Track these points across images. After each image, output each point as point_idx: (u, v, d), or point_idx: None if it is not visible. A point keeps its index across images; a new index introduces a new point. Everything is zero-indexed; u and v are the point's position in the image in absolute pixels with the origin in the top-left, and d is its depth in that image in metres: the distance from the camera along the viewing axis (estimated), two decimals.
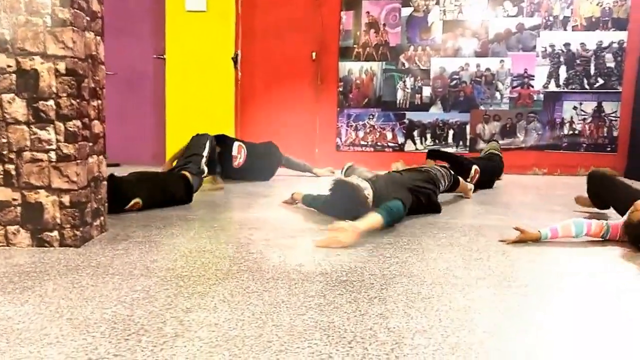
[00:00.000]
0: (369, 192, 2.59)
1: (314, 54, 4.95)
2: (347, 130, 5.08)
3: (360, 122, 5.06)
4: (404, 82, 4.94)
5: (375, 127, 5.04)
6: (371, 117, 5.03)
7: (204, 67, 4.96)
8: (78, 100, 2.22)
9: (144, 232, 2.51)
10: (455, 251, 2.26)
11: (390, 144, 5.04)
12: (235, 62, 5.01)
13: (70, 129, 2.18)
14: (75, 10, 2.18)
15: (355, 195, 2.57)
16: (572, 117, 4.82)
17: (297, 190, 3.23)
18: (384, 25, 4.89)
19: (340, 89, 5.03)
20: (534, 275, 1.95)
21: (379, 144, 5.05)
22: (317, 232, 2.57)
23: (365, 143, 5.07)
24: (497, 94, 4.86)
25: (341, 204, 2.61)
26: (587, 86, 4.77)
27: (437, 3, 4.81)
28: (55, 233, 2.21)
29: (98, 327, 1.44)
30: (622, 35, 4.68)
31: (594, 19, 4.68)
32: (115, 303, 1.61)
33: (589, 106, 4.79)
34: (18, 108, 2.18)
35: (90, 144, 2.35)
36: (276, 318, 1.50)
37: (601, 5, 4.66)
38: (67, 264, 2.00)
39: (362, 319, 1.50)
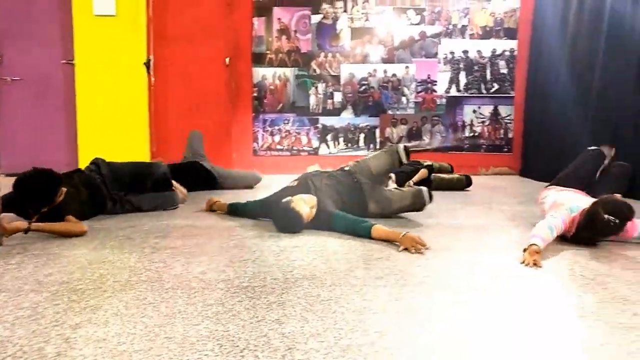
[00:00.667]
0: (313, 211, 2.60)
1: (227, 59, 5.00)
2: (263, 135, 5.17)
3: (276, 127, 5.16)
4: (316, 87, 5.09)
5: (291, 131, 5.16)
6: (286, 122, 5.15)
7: (115, 73, 4.88)
8: None
9: (44, 244, 2.39)
10: (359, 252, 2.29)
11: (305, 148, 5.18)
12: (148, 68, 4.95)
13: None
14: None
15: (295, 223, 2.58)
16: (472, 120, 5.16)
17: (218, 199, 3.20)
18: (295, 31, 5.01)
19: (255, 95, 5.11)
20: (430, 273, 2.01)
21: (294, 148, 5.18)
22: (227, 238, 2.56)
23: (282, 147, 5.18)
24: (403, 99, 5.11)
25: (281, 224, 2.62)
26: (484, 91, 5.12)
27: (345, 11, 4.99)
28: None
29: None
30: (513, 44, 5.06)
31: (488, 28, 5.03)
32: None
33: (487, 110, 5.15)
34: None
35: None
36: (169, 330, 1.47)
37: (494, 16, 5.02)
38: None
39: (257, 326, 1.49)
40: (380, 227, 2.42)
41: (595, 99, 4.12)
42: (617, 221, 2.21)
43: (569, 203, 2.42)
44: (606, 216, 2.21)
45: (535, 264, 2.04)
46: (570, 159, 4.34)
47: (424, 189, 2.93)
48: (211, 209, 3.16)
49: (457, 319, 1.57)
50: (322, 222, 2.61)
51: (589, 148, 2.99)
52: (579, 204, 2.39)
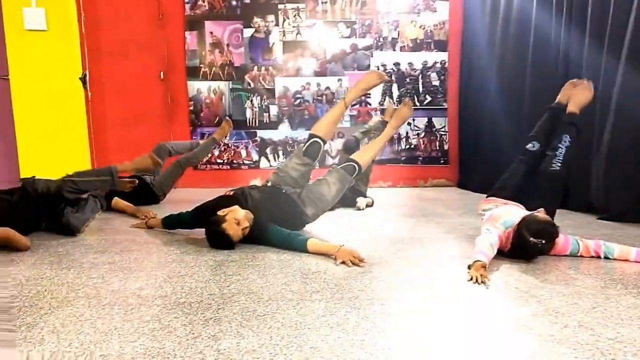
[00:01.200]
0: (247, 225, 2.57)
1: (162, 73, 5.01)
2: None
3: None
4: (252, 101, 5.10)
5: (230, 145, 5.16)
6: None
7: (51, 88, 4.87)
8: None
9: None
10: (295, 266, 2.28)
11: (245, 162, 5.17)
12: (84, 82, 4.96)
13: None
14: None
15: (225, 244, 2.56)
16: (407, 133, 5.17)
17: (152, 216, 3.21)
18: (228, 45, 5.03)
19: (191, 108, 5.11)
20: (366, 287, 2.00)
21: (235, 161, 5.17)
22: (166, 253, 2.55)
23: (222, 161, 5.17)
24: None
25: (211, 242, 2.59)
26: (417, 103, 5.14)
27: (277, 24, 5.02)
28: None
29: None
30: (444, 56, 5.09)
31: (418, 41, 5.06)
32: None
33: (421, 122, 5.16)
34: None
35: None
36: (105, 347, 1.46)
37: (423, 28, 5.05)
38: None
39: (193, 343, 1.48)
40: (316, 241, 2.43)
41: (527, 107, 4.13)
42: (543, 242, 2.20)
43: (503, 218, 2.39)
44: (532, 239, 2.19)
45: (482, 281, 2.01)
46: (505, 169, 4.38)
47: (348, 165, 2.83)
48: (147, 226, 3.12)
49: (388, 331, 1.57)
50: (257, 237, 2.58)
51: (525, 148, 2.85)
52: (513, 218, 2.36)
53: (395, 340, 1.51)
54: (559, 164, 2.62)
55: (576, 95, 2.75)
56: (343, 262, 2.25)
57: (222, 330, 1.58)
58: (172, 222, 2.98)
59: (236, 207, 2.60)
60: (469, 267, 2.13)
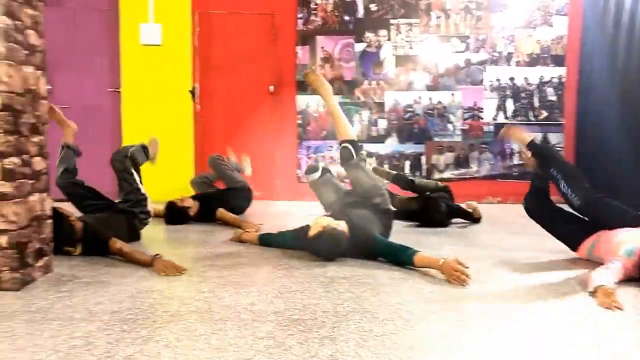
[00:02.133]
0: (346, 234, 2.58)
1: (271, 87, 5.00)
2: (307, 162, 5.08)
3: (320, 154, 5.08)
4: (360, 115, 5.04)
5: (335, 158, 5.08)
6: (330, 148, 5.08)
7: (161, 101, 4.90)
8: (16, 137, 2.11)
9: (92, 272, 2.38)
10: (409, 284, 2.23)
11: None
12: (193, 95, 4.98)
13: (7, 167, 2.06)
14: (11, 44, 2.11)
15: (339, 244, 2.55)
16: (521, 148, 5.02)
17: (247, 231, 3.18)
18: (339, 59, 5.02)
19: (299, 122, 5.07)
20: (487, 308, 1.94)
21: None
22: (274, 267, 2.51)
23: None
24: (450, 126, 5.03)
25: (326, 250, 2.58)
26: (532, 118, 5.02)
27: (389, 39, 5.01)
28: None
29: None
30: (561, 71, 5.00)
31: (534, 55, 4.99)
32: (50, 353, 1.49)
33: (536, 137, 5.02)
34: None
35: (32, 181, 2.23)
36: None
37: (540, 43, 4.99)
38: (2, 310, 1.85)
39: None
40: (422, 255, 2.42)
41: None
42: None
43: (623, 246, 2.25)
44: None
45: (615, 306, 1.90)
46: (623, 189, 4.19)
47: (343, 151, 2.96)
48: (240, 240, 3.08)
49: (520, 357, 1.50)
50: (362, 246, 2.58)
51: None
52: (635, 243, 2.23)
53: None
54: None
55: None
56: (448, 280, 2.24)
57: (339, 350, 1.53)
58: (270, 240, 2.96)
59: (323, 217, 2.65)
60: (593, 293, 2.01)
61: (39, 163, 2.31)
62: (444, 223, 3.70)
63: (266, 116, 5.08)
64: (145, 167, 4.86)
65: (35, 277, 2.24)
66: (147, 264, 2.46)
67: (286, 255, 2.76)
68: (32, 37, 2.30)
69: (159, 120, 4.85)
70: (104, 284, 2.21)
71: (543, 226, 2.81)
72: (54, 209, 2.56)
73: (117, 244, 2.63)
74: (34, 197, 2.26)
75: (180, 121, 4.94)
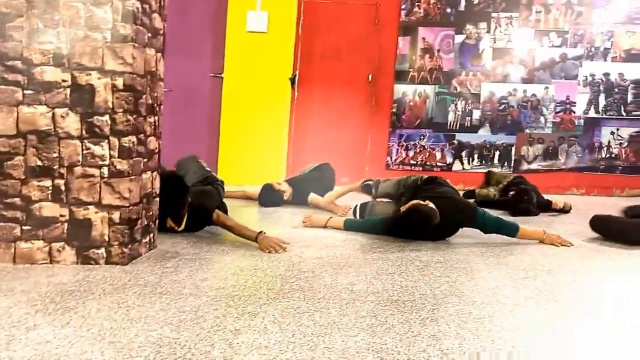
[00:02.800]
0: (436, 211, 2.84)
1: (370, 76, 5.18)
2: (397, 149, 5.31)
3: (411, 142, 5.29)
4: (456, 105, 5.22)
5: (425, 147, 5.29)
6: (422, 137, 5.28)
7: (260, 87, 5.10)
8: (135, 116, 2.19)
9: (194, 249, 2.44)
10: (503, 270, 2.31)
11: (438, 164, 5.29)
12: (293, 83, 5.17)
13: (125, 145, 2.14)
14: (138, 26, 2.16)
15: (433, 219, 2.77)
16: (609, 142, 5.21)
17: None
18: (438, 50, 5.17)
19: (394, 110, 5.26)
20: (578, 294, 2.04)
21: (427, 163, 5.29)
22: (369, 250, 2.61)
23: (415, 162, 5.30)
24: (542, 119, 5.20)
25: (421, 223, 2.80)
26: (624, 113, 5.17)
27: (488, 32, 5.14)
28: (102, 250, 2.14)
29: (142, 350, 1.36)
30: None
31: (633, 52, 5.10)
32: (162, 325, 1.54)
33: (626, 132, 5.19)
34: (71, 123, 2.12)
35: (145, 160, 2.31)
36: (328, 340, 1.47)
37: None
38: (113, 283, 1.92)
39: (414, 341, 1.50)
40: (523, 228, 2.88)
41: None
42: None
43: None
44: None
45: None
46: None
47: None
48: (324, 226, 3.14)
49: (612, 347, 1.56)
50: (461, 215, 2.93)
51: None
52: None
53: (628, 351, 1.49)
54: None
55: None
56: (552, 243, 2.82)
57: (441, 330, 1.58)
58: (355, 225, 3.10)
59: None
60: None
61: (152, 142, 2.38)
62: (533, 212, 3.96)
63: (362, 104, 5.27)
64: (240, 154, 5.13)
65: (141, 252, 2.30)
66: (252, 238, 2.51)
67: (378, 240, 2.85)
68: (157, 21, 2.35)
69: (258, 106, 5.06)
70: (207, 260, 2.26)
71: None
72: (171, 177, 2.68)
73: (221, 216, 2.66)
74: (147, 175, 2.32)
75: (278, 108, 5.13)
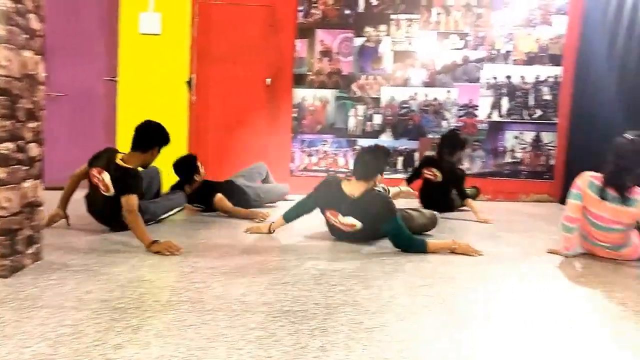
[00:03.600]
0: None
1: (268, 80, 5.02)
2: (300, 155, 5.16)
3: (314, 148, 5.15)
4: (356, 109, 5.08)
5: (328, 152, 5.15)
6: (324, 143, 5.14)
7: (157, 90, 4.91)
8: (12, 122, 2.08)
9: (83, 260, 2.39)
10: (401, 278, 2.27)
11: (343, 170, 5.15)
12: (190, 86, 5.01)
13: (2, 152, 2.04)
14: (11, 27, 2.06)
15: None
16: (513, 146, 5.10)
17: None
18: (337, 53, 5.02)
19: (295, 115, 5.11)
20: (477, 302, 2.01)
21: (331, 169, 5.15)
22: (266, 259, 2.55)
23: (319, 168, 5.16)
24: (444, 123, 5.08)
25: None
26: (526, 117, 5.06)
27: (388, 34, 4.99)
28: None
29: None
30: (557, 70, 5.00)
31: (532, 54, 4.99)
32: (38, 340, 1.49)
33: (529, 136, 5.08)
34: None
35: (26, 167, 2.20)
36: (212, 353, 1.44)
37: (538, 42, 4.98)
38: None
39: (302, 353, 1.47)
40: (432, 242, 2.76)
41: None
42: None
43: None
44: None
45: None
46: None
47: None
48: (269, 231, 3.12)
49: (510, 351, 1.56)
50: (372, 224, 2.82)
51: None
52: None
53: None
54: None
55: None
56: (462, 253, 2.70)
57: (330, 341, 1.55)
58: (293, 213, 3.09)
59: None
60: None
61: (33, 149, 2.28)
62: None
63: (261, 108, 5.11)
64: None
65: (25, 264, 2.22)
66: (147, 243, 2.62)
67: (276, 248, 2.82)
68: (33, 21, 2.24)
69: (155, 110, 4.84)
70: (94, 272, 2.20)
71: None
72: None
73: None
74: (27, 184, 2.22)
75: (175, 112, 4.96)
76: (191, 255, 2.55)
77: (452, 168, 4.11)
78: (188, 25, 4.91)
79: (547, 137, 5.08)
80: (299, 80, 5.05)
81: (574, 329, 1.78)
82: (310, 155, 5.15)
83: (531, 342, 1.65)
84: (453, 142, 4.15)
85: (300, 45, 5.01)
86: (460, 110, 5.07)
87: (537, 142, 5.09)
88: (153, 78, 4.90)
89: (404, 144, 5.11)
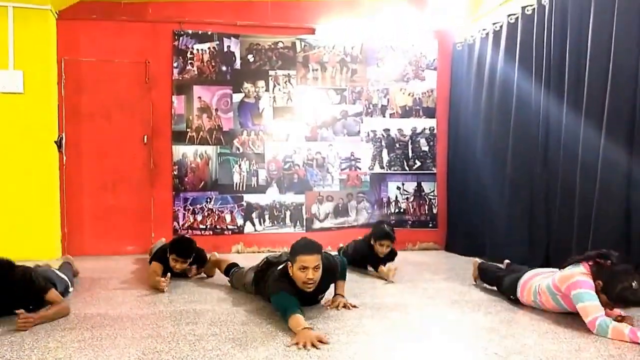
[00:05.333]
0: None
1: (145, 137, 4.82)
2: (184, 214, 4.94)
3: (198, 206, 4.95)
4: (240, 165, 4.98)
5: (214, 210, 4.97)
6: (208, 200, 4.96)
7: (22, 152, 4.55)
8: None
9: None
10: (278, 339, 2.21)
11: (229, 227, 4.98)
12: (59, 146, 4.68)
13: None
14: None
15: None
16: (396, 197, 5.18)
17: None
18: (217, 110, 4.94)
19: (175, 173, 4.92)
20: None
21: (218, 227, 4.96)
22: (142, 327, 2.39)
23: (204, 226, 4.95)
24: (328, 176, 5.09)
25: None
26: (407, 168, 5.19)
27: (267, 90, 5.00)
28: None
29: None
30: (432, 122, 5.22)
31: (407, 107, 5.18)
32: None
33: (411, 186, 5.20)
34: None
35: None
36: None
37: (412, 96, 5.18)
38: None
39: None
40: (295, 316, 2.30)
41: (510, 170, 4.22)
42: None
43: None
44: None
45: None
46: (491, 233, 4.44)
47: None
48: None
49: None
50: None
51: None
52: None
53: None
54: None
55: None
56: (296, 343, 2.10)
57: None
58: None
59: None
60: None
61: None
62: None
63: (140, 166, 4.88)
64: (3, 227, 4.50)
65: None
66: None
67: (154, 313, 2.66)
68: None
69: (21, 174, 4.50)
70: None
71: None
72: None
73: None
74: None
75: (44, 174, 4.60)
76: (59, 329, 2.37)
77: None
78: (54, 83, 4.64)
79: (427, 186, 5.23)
80: (179, 137, 4.89)
81: None
82: (194, 212, 4.94)
83: None
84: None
85: (178, 102, 4.88)
86: (343, 162, 5.12)
87: (419, 192, 5.22)
88: (17, 139, 4.53)
89: (291, 198, 5.04)
